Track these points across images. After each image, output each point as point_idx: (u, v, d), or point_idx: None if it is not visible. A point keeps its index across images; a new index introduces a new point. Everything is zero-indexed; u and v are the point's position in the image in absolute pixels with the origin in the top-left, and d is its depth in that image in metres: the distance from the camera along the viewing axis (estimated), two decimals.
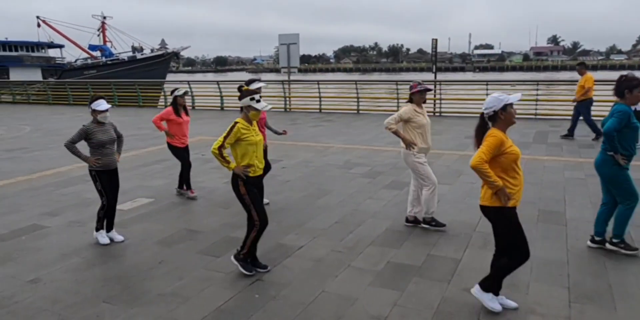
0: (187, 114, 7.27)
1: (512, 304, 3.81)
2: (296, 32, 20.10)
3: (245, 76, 78.87)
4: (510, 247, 3.66)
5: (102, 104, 5.26)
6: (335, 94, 20.83)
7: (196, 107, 21.25)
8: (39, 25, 49.95)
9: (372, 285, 4.28)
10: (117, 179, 5.54)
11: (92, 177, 5.38)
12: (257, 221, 4.45)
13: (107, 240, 5.40)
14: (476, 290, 3.81)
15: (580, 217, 5.93)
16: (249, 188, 4.42)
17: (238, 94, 4.51)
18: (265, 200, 6.69)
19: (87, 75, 43.57)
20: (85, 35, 53.69)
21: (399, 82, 18.94)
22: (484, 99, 13.92)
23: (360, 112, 18.45)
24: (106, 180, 5.37)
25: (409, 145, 5.41)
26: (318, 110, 19.26)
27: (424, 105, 5.65)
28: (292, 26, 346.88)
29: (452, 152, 10.20)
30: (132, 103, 22.98)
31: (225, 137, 4.32)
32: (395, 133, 5.44)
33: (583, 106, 11.53)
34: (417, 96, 5.51)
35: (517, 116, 3.74)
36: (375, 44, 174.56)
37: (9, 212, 6.58)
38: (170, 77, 53.33)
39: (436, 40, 21.73)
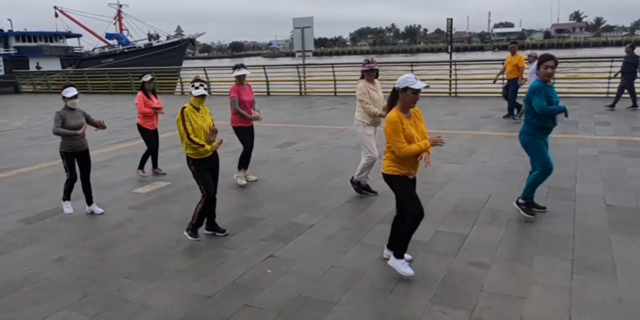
0: (156, 97, 7.88)
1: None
2: (310, 16, 20.06)
3: (261, 61, 78.74)
4: (408, 206, 4.01)
5: (70, 91, 5.72)
6: (350, 76, 20.77)
7: (212, 93, 21.43)
8: (56, 15, 50.43)
9: (379, 259, 4.42)
10: (89, 157, 6.09)
11: (60, 155, 5.94)
12: (204, 194, 4.98)
13: (71, 210, 6.02)
14: (391, 259, 4.11)
15: (590, 193, 5.98)
16: (197, 167, 4.98)
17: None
18: (253, 177, 7.23)
19: (104, 63, 43.99)
20: (102, 24, 53.79)
21: (413, 64, 18.87)
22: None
23: None
24: (72, 160, 5.92)
25: (379, 115, 5.97)
26: (333, 93, 19.32)
27: (377, 81, 6.22)
28: (307, 9, 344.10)
29: (466, 131, 10.23)
30: None
31: (184, 126, 4.81)
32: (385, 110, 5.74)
33: (514, 83, 11.66)
34: (367, 74, 6.04)
35: None
36: (392, 25, 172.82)
37: (34, 196, 6.87)
38: (186, 63, 53.59)
39: (451, 20, 21.51)
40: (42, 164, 8.92)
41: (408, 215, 4.03)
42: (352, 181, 6.40)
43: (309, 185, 6.91)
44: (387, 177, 4.10)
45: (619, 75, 12.71)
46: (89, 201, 6.11)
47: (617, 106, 12.44)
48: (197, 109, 4.92)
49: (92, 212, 6.06)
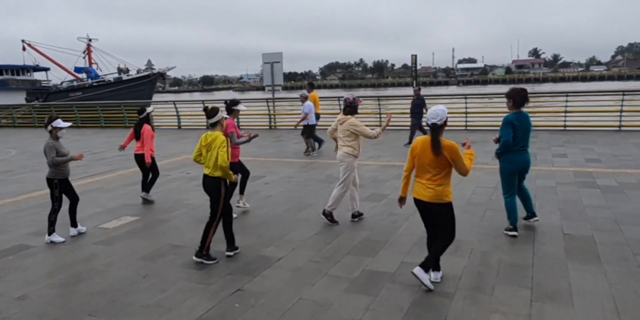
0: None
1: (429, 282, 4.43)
2: (280, 51, 20.54)
3: (232, 95, 79.13)
4: (452, 230, 4.47)
5: (62, 122, 6.20)
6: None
7: (182, 127, 21.53)
8: (24, 49, 49.94)
9: (346, 291, 4.49)
10: (70, 183, 6.51)
11: (51, 185, 6.28)
12: (219, 215, 5.35)
13: (62, 239, 6.24)
14: (418, 270, 4.37)
15: (548, 223, 6.21)
16: (228, 190, 5.42)
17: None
18: (247, 205, 7.54)
19: (73, 97, 43.53)
20: (71, 58, 53.59)
21: (380, 98, 19.37)
22: (463, 112, 14.39)
23: None
24: (64, 187, 6.36)
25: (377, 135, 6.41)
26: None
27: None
28: (277, 44, 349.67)
29: None
30: (118, 124, 23.17)
31: (226, 151, 5.23)
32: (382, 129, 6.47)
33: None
34: (354, 110, 6.49)
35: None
36: (361, 60, 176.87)
37: None
38: (157, 97, 53.51)
39: (416, 56, 22.36)
40: (5, 199, 8.74)
41: (443, 238, 4.46)
42: (324, 213, 6.60)
43: (277, 218, 6.97)
44: (447, 205, 4.41)
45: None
46: (74, 223, 6.53)
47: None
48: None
49: (79, 233, 6.52)
